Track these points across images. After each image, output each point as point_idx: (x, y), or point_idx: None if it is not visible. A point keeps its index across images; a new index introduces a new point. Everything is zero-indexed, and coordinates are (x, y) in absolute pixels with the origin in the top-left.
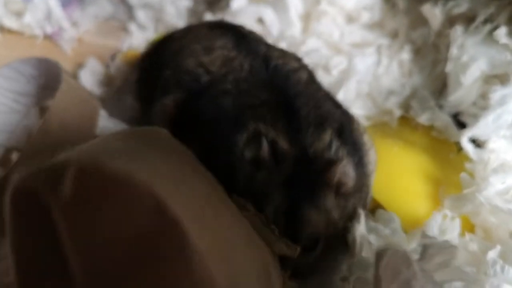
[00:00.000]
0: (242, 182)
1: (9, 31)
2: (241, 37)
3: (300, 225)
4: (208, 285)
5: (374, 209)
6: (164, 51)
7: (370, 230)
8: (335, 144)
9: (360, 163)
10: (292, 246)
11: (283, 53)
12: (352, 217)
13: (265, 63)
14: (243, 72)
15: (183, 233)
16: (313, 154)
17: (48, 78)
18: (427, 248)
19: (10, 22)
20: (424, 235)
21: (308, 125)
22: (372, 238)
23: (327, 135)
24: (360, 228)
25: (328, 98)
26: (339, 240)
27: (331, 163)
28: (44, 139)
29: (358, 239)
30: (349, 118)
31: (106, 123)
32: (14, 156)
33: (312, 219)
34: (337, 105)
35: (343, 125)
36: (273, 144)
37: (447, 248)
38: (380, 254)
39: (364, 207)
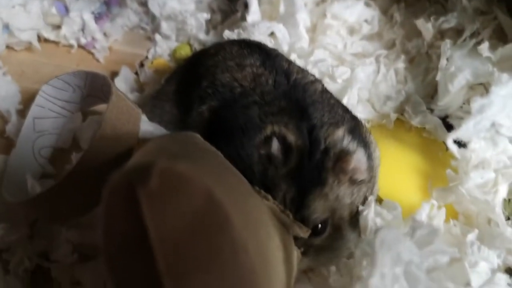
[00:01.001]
0: (258, 177)
1: (47, 41)
2: (266, 55)
3: (307, 211)
4: (243, 250)
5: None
6: (200, 65)
7: (376, 214)
8: (348, 139)
9: (369, 157)
10: (304, 228)
11: (301, 69)
12: (363, 202)
13: (286, 78)
14: (268, 86)
15: (225, 212)
16: (327, 146)
17: (92, 88)
18: (416, 230)
19: (48, 34)
20: (414, 221)
21: (322, 124)
22: (378, 221)
23: (341, 131)
24: (370, 212)
25: (339, 105)
26: (350, 222)
27: (347, 152)
28: (101, 143)
29: (369, 222)
30: (358, 121)
31: (147, 126)
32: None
33: (317, 205)
34: (347, 110)
35: (354, 126)
36: (282, 139)
37: (431, 230)
38: (377, 232)
39: (373, 195)
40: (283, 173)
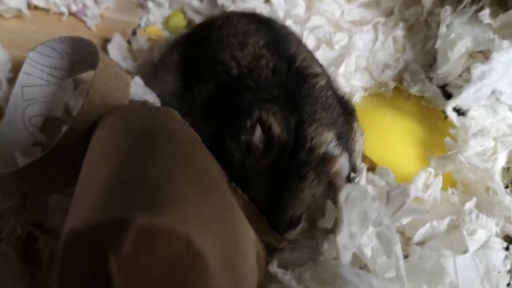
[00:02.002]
0: (237, 166)
1: (37, 8)
2: (273, 35)
3: (283, 205)
4: None
5: (373, 168)
6: (204, 39)
7: (368, 181)
8: (334, 142)
9: (350, 165)
10: (278, 237)
11: (310, 57)
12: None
13: (288, 64)
14: (267, 71)
15: (203, 259)
16: (312, 145)
17: (80, 54)
18: (389, 193)
19: (38, 1)
20: (389, 185)
21: (313, 121)
22: (370, 188)
23: (330, 135)
24: (362, 179)
25: (336, 107)
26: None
27: (332, 155)
28: (89, 110)
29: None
30: (350, 128)
31: (135, 89)
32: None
33: (294, 200)
34: (342, 115)
35: (344, 132)
36: (267, 129)
37: (402, 190)
38: (341, 188)
39: None
40: (262, 165)
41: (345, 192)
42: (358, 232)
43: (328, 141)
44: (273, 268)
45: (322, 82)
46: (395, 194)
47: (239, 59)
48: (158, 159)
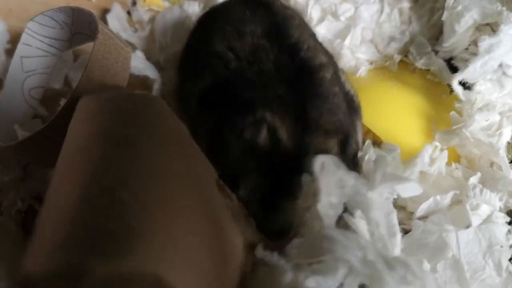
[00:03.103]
0: (232, 161)
1: None
2: (271, 21)
3: (276, 217)
4: None
5: (377, 142)
6: (203, 29)
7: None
8: (336, 151)
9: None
10: (266, 240)
11: (315, 44)
12: None
13: (291, 56)
14: (268, 64)
15: None
16: (315, 154)
17: (80, 25)
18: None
19: None
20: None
21: (318, 128)
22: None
23: (332, 143)
24: (369, 154)
25: (342, 105)
26: None
27: None
28: (88, 84)
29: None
30: (354, 128)
31: (136, 63)
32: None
33: (288, 211)
34: (347, 114)
35: (347, 138)
36: (273, 133)
37: (381, 158)
38: (316, 159)
39: None
40: (260, 166)
41: (319, 161)
42: (337, 202)
43: (329, 149)
44: (259, 252)
45: (329, 75)
46: (377, 163)
47: (237, 50)
48: (131, 175)
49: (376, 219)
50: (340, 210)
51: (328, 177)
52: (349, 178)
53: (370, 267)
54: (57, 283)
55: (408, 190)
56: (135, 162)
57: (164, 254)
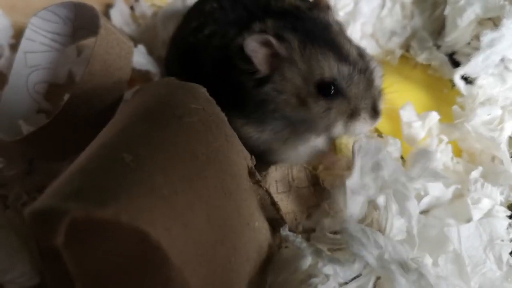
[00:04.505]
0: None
1: None
2: None
3: None
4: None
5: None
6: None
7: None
8: None
9: None
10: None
11: None
12: None
13: None
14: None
15: (164, 256)
16: None
17: (83, 20)
18: (412, 156)
19: None
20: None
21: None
22: None
23: None
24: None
25: None
26: None
27: None
28: (90, 79)
29: None
30: None
31: (138, 57)
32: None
33: None
34: None
35: None
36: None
37: (426, 153)
38: (355, 141)
39: None
40: None
41: (359, 143)
42: (370, 183)
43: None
44: (285, 231)
45: None
46: (418, 158)
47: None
48: (142, 143)
49: (409, 211)
50: (372, 192)
51: (366, 159)
52: (389, 165)
53: (385, 267)
54: (37, 221)
55: (437, 189)
56: (149, 135)
57: (153, 212)
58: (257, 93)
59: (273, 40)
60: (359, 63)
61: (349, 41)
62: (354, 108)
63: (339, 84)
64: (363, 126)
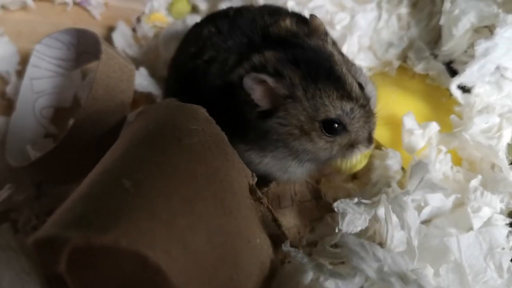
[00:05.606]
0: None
1: None
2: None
3: None
4: None
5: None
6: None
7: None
8: None
9: None
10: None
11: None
12: None
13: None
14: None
15: (164, 277)
16: None
17: (85, 45)
18: (410, 168)
19: None
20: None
21: None
22: None
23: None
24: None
25: None
26: None
27: None
28: (94, 103)
29: None
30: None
31: (140, 80)
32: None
33: None
34: None
35: None
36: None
37: (423, 165)
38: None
39: None
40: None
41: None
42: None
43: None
44: (286, 247)
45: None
46: (415, 170)
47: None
48: (142, 168)
49: (408, 222)
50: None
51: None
52: None
53: (385, 279)
54: (41, 249)
55: (437, 200)
56: (149, 159)
57: (152, 236)
58: (260, 125)
59: (270, 81)
60: (361, 98)
61: (350, 72)
62: (353, 140)
63: (343, 121)
64: (358, 155)
